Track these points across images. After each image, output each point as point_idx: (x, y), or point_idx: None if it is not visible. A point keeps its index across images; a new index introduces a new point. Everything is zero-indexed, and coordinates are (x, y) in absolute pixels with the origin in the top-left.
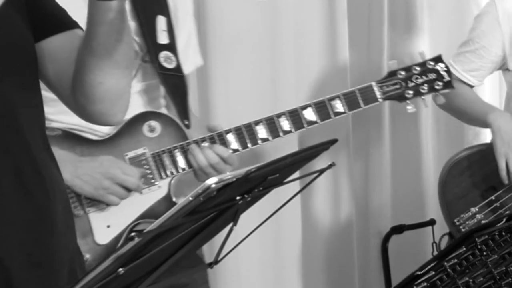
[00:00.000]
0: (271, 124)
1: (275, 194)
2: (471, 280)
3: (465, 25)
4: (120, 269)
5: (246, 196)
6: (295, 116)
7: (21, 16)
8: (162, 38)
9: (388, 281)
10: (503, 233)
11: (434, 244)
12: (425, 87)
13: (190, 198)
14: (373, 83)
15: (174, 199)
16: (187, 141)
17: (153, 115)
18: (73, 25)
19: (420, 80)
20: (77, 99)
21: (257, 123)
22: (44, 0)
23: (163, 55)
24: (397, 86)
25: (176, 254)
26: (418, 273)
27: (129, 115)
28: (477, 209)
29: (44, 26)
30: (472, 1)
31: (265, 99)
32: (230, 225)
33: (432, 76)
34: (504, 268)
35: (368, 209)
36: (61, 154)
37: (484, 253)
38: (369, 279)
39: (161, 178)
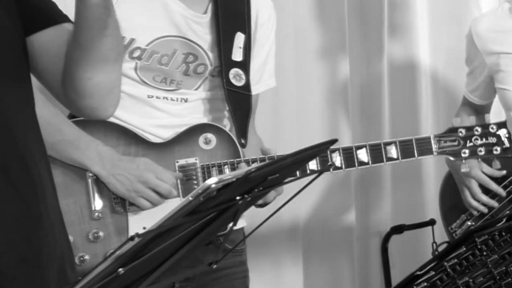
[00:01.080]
0: (324, 157)
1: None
2: (471, 280)
3: (466, 29)
4: (120, 269)
5: (246, 196)
6: (348, 154)
7: (7, 10)
8: (237, 55)
9: (388, 281)
10: (503, 233)
11: (434, 244)
12: (483, 149)
13: (190, 198)
14: (432, 136)
15: None
16: (238, 159)
17: (211, 128)
18: (63, 19)
19: (479, 142)
20: (68, 94)
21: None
22: None
23: (234, 71)
24: (455, 143)
25: (176, 254)
26: (418, 273)
27: (188, 119)
28: (467, 216)
29: (33, 20)
30: (472, 3)
31: (265, 104)
32: (230, 225)
33: (492, 140)
34: (504, 268)
35: (368, 209)
36: (103, 151)
37: (484, 253)
38: (369, 279)
39: None
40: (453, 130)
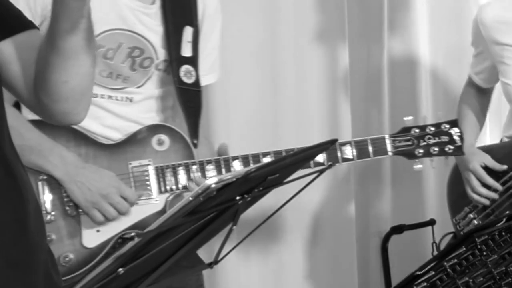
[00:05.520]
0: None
1: (275, 194)
2: (471, 280)
3: (465, 26)
4: (120, 269)
5: (246, 196)
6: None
7: None
8: (186, 50)
9: (388, 281)
10: (503, 233)
11: (434, 244)
12: (436, 148)
13: (190, 198)
14: (386, 136)
15: None
16: (192, 161)
17: (164, 129)
18: (31, 25)
19: (432, 141)
20: (40, 99)
21: (265, 154)
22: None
23: (184, 69)
24: (409, 143)
25: (176, 254)
26: (418, 273)
27: (143, 118)
28: (470, 208)
29: (1, 27)
30: (472, 1)
31: (265, 100)
32: (230, 225)
33: (444, 138)
34: (504, 268)
35: (368, 209)
36: (67, 156)
37: (484, 253)
38: (369, 279)
39: (160, 192)
40: (406, 130)
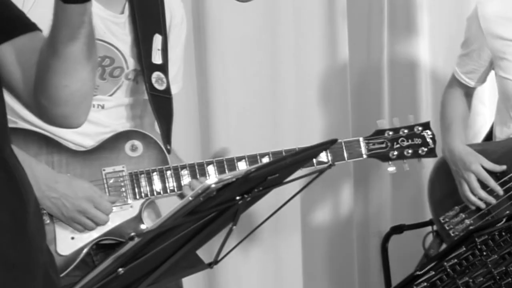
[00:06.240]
0: (254, 162)
1: (275, 194)
2: (471, 280)
3: (465, 20)
4: (120, 269)
5: (246, 196)
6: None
7: None
8: (156, 58)
9: (388, 281)
10: (503, 233)
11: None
12: (410, 151)
13: (190, 198)
14: (361, 139)
15: (144, 225)
16: (166, 166)
17: (138, 135)
18: (33, 27)
19: (405, 143)
20: (40, 102)
21: (239, 159)
22: (2, 3)
23: (155, 75)
24: (383, 145)
25: (176, 254)
26: (418, 273)
27: (115, 125)
28: (461, 207)
29: (3, 29)
30: (472, 1)
31: (265, 99)
32: (230, 225)
33: (417, 141)
34: (504, 268)
35: (368, 209)
36: (37, 171)
37: (484, 253)
38: (369, 279)
39: (135, 198)
40: (380, 132)
